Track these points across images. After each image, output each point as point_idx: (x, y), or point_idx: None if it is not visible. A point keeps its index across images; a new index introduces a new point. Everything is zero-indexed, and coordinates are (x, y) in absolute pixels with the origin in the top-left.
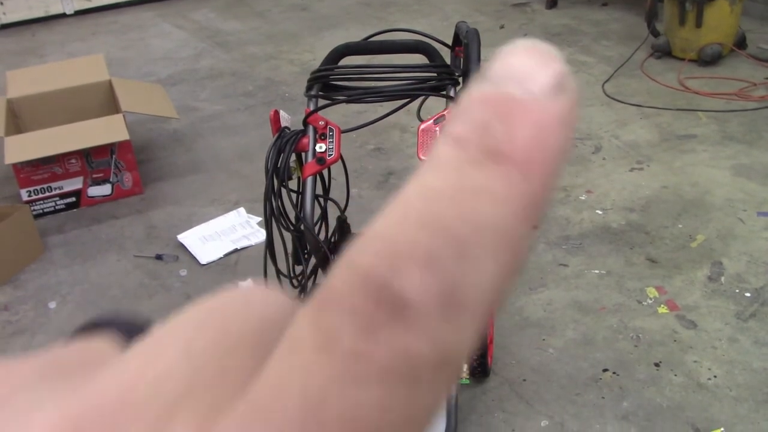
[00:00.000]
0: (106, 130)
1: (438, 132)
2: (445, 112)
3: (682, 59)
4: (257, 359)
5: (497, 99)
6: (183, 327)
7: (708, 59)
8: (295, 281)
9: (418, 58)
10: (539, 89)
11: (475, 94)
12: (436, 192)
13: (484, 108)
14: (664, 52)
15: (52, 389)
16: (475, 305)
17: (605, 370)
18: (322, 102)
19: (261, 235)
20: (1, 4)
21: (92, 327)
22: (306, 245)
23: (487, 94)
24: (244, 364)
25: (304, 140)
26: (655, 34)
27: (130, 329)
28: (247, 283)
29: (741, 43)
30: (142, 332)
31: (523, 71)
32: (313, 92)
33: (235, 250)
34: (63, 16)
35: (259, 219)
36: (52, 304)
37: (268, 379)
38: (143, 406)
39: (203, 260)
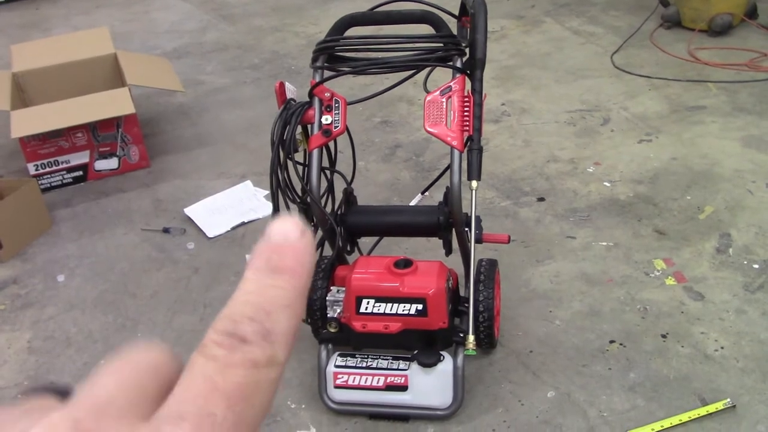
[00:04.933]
0: (112, 104)
1: (444, 103)
2: (452, 83)
3: (692, 30)
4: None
5: (273, 246)
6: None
7: (718, 29)
8: None
9: (425, 29)
10: (293, 237)
11: (261, 245)
12: (251, 290)
13: (266, 252)
14: (673, 22)
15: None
16: (280, 335)
17: (612, 342)
18: (327, 74)
19: (268, 208)
20: None
21: (33, 392)
22: (312, 217)
23: (266, 245)
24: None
25: (310, 112)
26: (665, 4)
27: (61, 392)
28: None
29: (752, 13)
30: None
31: (284, 230)
32: (318, 64)
33: (242, 223)
34: None
35: (266, 192)
36: (61, 277)
37: (181, 381)
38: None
39: (210, 233)
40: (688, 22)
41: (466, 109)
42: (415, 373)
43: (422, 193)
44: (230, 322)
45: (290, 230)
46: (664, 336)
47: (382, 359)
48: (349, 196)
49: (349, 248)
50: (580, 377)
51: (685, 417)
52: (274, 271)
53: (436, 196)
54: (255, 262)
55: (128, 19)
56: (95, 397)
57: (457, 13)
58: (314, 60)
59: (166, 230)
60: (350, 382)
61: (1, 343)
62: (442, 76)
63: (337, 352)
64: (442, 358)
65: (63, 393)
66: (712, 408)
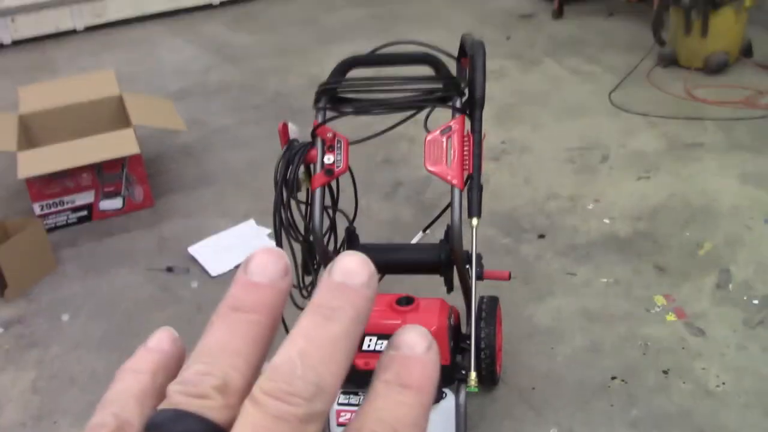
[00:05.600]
0: (117, 144)
1: (444, 142)
2: (451, 123)
3: (689, 68)
4: None
5: (401, 359)
6: None
7: (714, 68)
8: (305, 292)
9: (425, 70)
10: (420, 349)
11: (389, 356)
12: (381, 407)
13: (395, 365)
14: (670, 61)
15: None
16: None
17: (614, 378)
18: (330, 114)
19: (271, 247)
20: (12, 20)
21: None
22: (315, 256)
23: (393, 355)
24: None
25: (313, 152)
26: (661, 43)
27: None
28: None
29: (747, 51)
30: None
31: (410, 341)
32: (321, 104)
33: None
34: (73, 32)
35: (269, 230)
36: (65, 317)
37: None
38: None
39: (214, 272)
40: (684, 61)
41: (465, 147)
42: None
43: (423, 231)
44: None
45: (418, 342)
46: (665, 372)
47: None
48: (351, 234)
49: None
50: (583, 413)
51: None
52: (403, 387)
53: (437, 234)
54: (384, 374)
55: (134, 60)
56: None
57: (456, 54)
58: (316, 101)
59: (170, 269)
60: None
61: (6, 383)
62: (442, 115)
63: (340, 390)
64: (444, 395)
65: None
66: None
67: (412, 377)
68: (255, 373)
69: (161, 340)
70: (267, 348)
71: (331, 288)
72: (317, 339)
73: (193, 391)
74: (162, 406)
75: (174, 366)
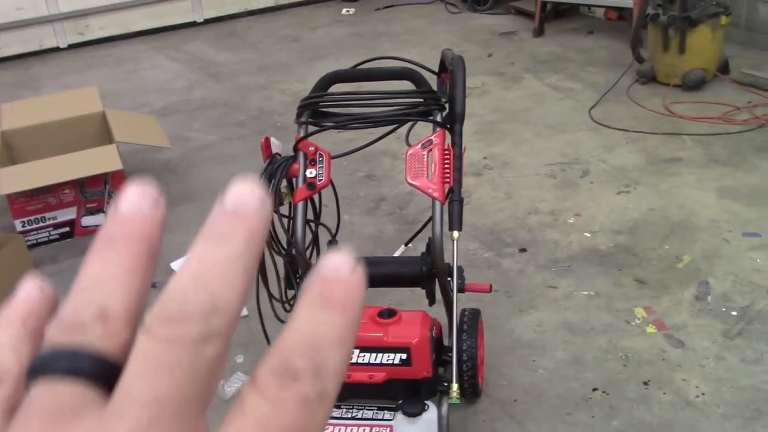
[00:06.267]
0: (100, 161)
1: (425, 156)
2: (432, 137)
3: (667, 84)
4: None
5: (323, 280)
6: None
7: (692, 84)
8: (287, 305)
9: (406, 85)
10: (345, 272)
11: (312, 279)
12: (301, 326)
13: (317, 286)
14: (649, 77)
15: None
16: (330, 371)
17: (595, 390)
18: (312, 129)
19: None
20: None
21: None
22: (297, 269)
23: (317, 278)
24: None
25: (295, 166)
26: (640, 60)
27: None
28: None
29: (724, 68)
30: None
31: (334, 264)
32: (302, 119)
33: None
34: (57, 49)
35: None
36: None
37: (233, 420)
38: None
39: None
40: (662, 78)
41: (446, 161)
42: (400, 422)
43: (405, 244)
44: (281, 358)
45: (342, 265)
46: (645, 383)
47: (367, 410)
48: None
49: None
50: (565, 426)
51: None
52: (324, 306)
53: (419, 248)
54: (306, 296)
55: (118, 78)
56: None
57: (436, 69)
58: (299, 115)
59: (153, 285)
60: None
61: None
62: (423, 130)
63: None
64: (426, 407)
65: (94, 374)
66: None
67: (335, 297)
68: (138, 300)
69: (27, 290)
70: (148, 277)
71: (222, 216)
72: (210, 261)
73: (70, 327)
74: (43, 350)
75: (44, 311)
